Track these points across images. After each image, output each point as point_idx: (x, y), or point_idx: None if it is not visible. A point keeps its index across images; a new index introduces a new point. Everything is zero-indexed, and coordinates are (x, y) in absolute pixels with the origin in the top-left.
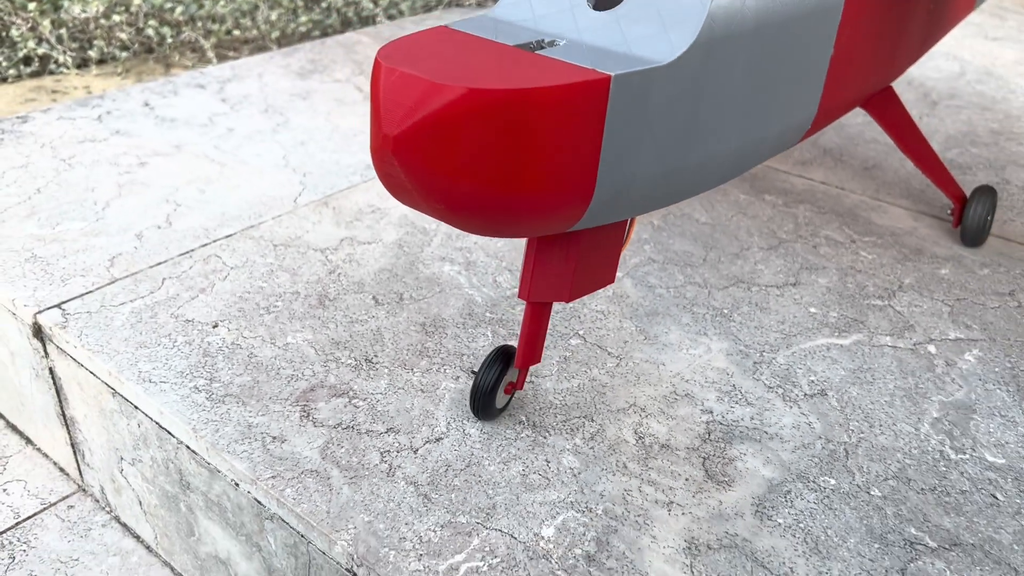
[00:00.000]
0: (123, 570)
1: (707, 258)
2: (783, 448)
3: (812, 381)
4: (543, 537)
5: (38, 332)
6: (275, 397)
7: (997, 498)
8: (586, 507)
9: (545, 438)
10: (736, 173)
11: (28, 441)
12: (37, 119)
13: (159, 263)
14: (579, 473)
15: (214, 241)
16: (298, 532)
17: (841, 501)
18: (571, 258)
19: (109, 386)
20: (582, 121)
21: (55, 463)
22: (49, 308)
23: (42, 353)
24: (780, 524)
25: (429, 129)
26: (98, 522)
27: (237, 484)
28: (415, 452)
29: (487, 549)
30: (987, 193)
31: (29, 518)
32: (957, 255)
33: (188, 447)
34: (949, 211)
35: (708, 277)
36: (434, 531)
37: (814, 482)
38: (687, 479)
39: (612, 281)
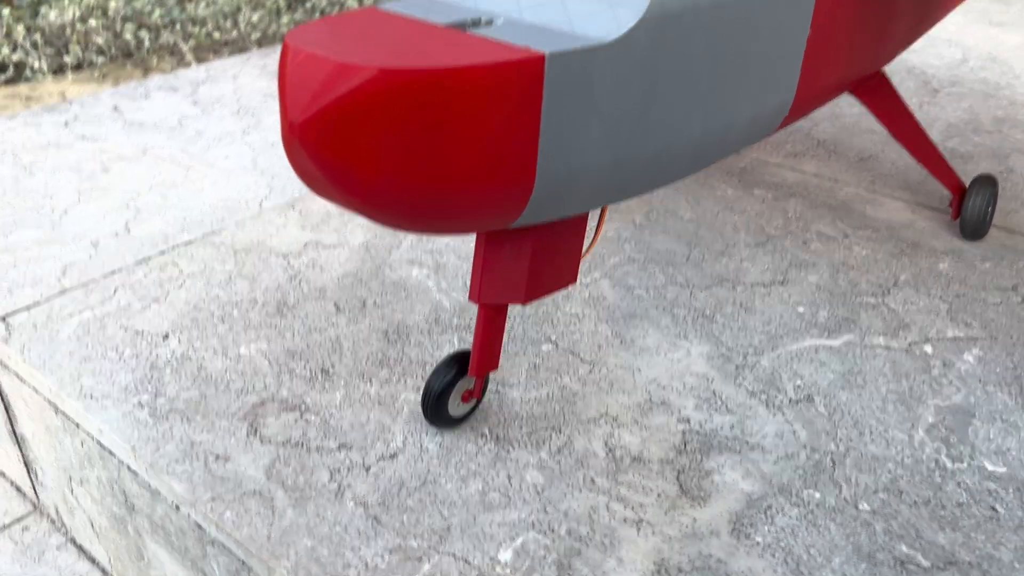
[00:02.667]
0: None
1: (690, 256)
2: (764, 459)
3: (798, 386)
4: (499, 561)
5: None
6: (222, 412)
7: (997, 510)
8: (548, 527)
9: (508, 452)
10: (705, 163)
11: None
12: (0, 125)
13: (113, 272)
14: (543, 490)
15: (173, 248)
16: (239, 558)
17: (826, 516)
18: (523, 255)
19: (51, 403)
20: (515, 104)
21: (11, 482)
22: None
23: None
24: (759, 543)
25: (338, 114)
26: (53, 544)
27: (178, 507)
28: (367, 470)
29: (438, 575)
30: (987, 183)
31: None
32: (957, 249)
33: (128, 467)
34: (948, 203)
35: (691, 276)
36: (382, 556)
37: (797, 496)
38: (659, 495)
39: (574, 281)
